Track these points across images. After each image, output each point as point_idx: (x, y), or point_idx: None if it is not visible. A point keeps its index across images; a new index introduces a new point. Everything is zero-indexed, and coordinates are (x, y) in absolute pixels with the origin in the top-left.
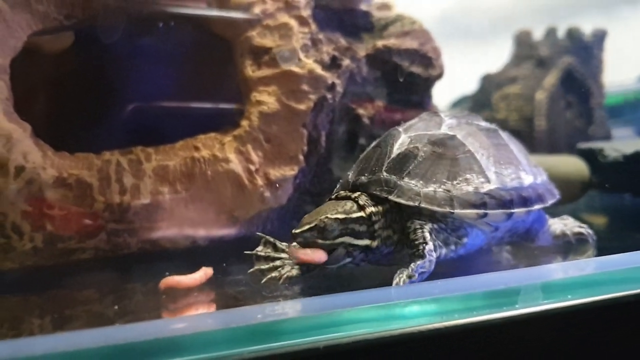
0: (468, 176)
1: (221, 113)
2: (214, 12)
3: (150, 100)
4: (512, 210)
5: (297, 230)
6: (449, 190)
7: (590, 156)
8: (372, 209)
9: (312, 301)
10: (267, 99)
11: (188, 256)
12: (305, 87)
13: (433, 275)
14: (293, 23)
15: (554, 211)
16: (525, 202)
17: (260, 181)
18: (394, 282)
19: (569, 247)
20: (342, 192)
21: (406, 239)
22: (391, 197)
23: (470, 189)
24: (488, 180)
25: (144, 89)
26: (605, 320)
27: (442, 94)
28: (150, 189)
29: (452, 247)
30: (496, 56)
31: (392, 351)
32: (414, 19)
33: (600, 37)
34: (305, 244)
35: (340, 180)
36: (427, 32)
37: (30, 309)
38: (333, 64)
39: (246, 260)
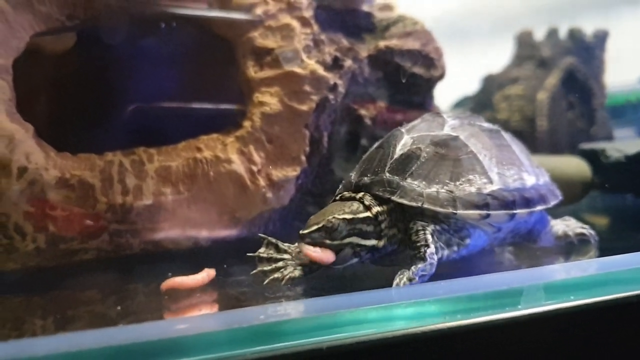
0: (471, 177)
1: (223, 114)
2: (216, 13)
3: (152, 101)
4: (515, 211)
5: (305, 231)
6: (451, 191)
7: (592, 157)
8: (378, 208)
9: (314, 302)
10: (270, 100)
11: (190, 257)
12: (307, 87)
13: (436, 276)
14: (295, 24)
15: (556, 212)
16: (528, 203)
17: (262, 182)
18: (394, 283)
19: (571, 247)
20: (345, 193)
21: (408, 240)
22: (394, 198)
23: (473, 189)
24: (490, 181)
25: (146, 89)
26: (608, 321)
27: (444, 94)
28: (152, 190)
29: (455, 248)
30: (498, 57)
31: (395, 352)
32: (416, 20)
33: (601, 37)
34: (312, 245)
35: (343, 181)
36: (429, 32)
37: (32, 310)
38: (335, 65)
39: (248, 261)
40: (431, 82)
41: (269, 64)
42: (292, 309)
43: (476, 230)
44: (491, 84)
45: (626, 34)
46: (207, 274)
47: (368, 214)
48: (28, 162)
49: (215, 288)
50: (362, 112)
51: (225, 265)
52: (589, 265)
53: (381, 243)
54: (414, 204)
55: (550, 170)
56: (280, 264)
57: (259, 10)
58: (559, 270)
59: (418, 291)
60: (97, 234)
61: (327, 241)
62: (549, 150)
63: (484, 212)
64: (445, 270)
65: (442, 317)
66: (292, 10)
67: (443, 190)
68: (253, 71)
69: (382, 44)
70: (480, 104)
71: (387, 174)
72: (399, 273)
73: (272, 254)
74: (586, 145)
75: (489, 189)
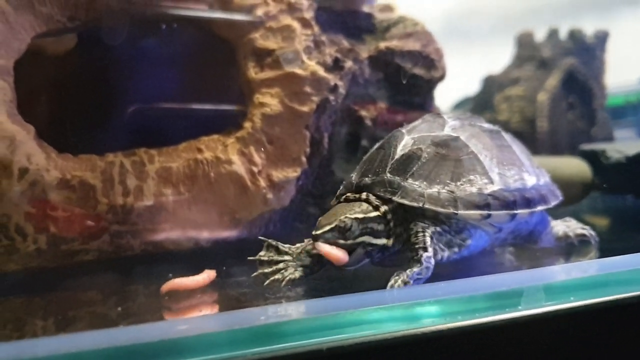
0: (471, 177)
1: (224, 115)
2: (217, 14)
3: (153, 102)
4: (516, 211)
5: (318, 232)
6: (452, 192)
7: (592, 157)
8: (385, 207)
9: (315, 303)
10: (270, 101)
11: (191, 258)
12: (307, 89)
13: (436, 277)
14: (296, 25)
15: (557, 213)
16: (529, 203)
17: (262, 183)
18: (389, 285)
19: (571, 248)
20: (349, 194)
21: (407, 241)
22: (395, 198)
23: (474, 190)
24: (491, 182)
25: (147, 90)
26: (608, 321)
27: (444, 95)
28: (153, 191)
29: (456, 249)
30: (498, 57)
31: (395, 353)
32: (417, 21)
33: (602, 38)
34: (320, 251)
35: (344, 182)
36: (430, 33)
37: (33, 311)
38: (335, 66)
39: (249, 262)
40: (432, 83)
41: (270, 65)
42: (292, 310)
43: (477, 231)
44: (491, 84)
45: (626, 35)
46: (207, 275)
47: (378, 213)
48: (29, 163)
49: (215, 289)
50: (363, 113)
51: (225, 267)
52: (590, 266)
53: (390, 242)
54: (415, 204)
55: (550, 171)
56: (281, 265)
57: (259, 12)
58: (559, 271)
59: (418, 292)
60: (98, 235)
61: (341, 241)
62: (550, 151)
63: (485, 212)
64: (446, 271)
65: (442, 318)
66: (292, 12)
67: (444, 191)
68: (254, 72)
69: (382, 45)
70: (480, 104)
71: (388, 175)
72: (394, 275)
73: (273, 256)
74: (586, 146)
75: (490, 189)
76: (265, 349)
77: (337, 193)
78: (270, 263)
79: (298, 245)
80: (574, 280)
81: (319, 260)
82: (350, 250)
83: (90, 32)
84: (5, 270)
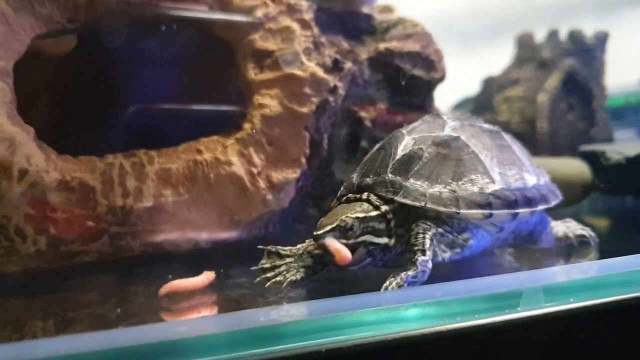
0: (473, 177)
1: (223, 116)
2: (217, 16)
3: (153, 103)
4: (517, 211)
5: (320, 232)
6: (454, 191)
7: (592, 158)
8: (386, 207)
9: (314, 304)
10: (270, 102)
11: (190, 259)
12: (307, 90)
13: (435, 278)
14: (295, 26)
15: (556, 214)
16: (530, 202)
17: (262, 184)
18: (383, 286)
19: (571, 249)
20: (350, 195)
21: (407, 243)
22: (397, 198)
23: (476, 189)
24: (493, 181)
25: (147, 92)
26: (608, 323)
27: (444, 96)
28: (153, 192)
29: (458, 249)
30: (498, 58)
31: (394, 354)
32: (416, 22)
33: (602, 39)
34: (327, 246)
35: (344, 183)
36: (429, 34)
37: (33, 312)
38: (335, 67)
39: (248, 262)
40: (431, 84)
41: (269, 66)
42: (291, 312)
43: (479, 231)
44: (491, 85)
45: (626, 36)
46: (206, 277)
47: (378, 212)
48: (29, 164)
49: (215, 290)
50: (362, 114)
51: (225, 268)
52: (589, 268)
53: (392, 241)
54: (417, 203)
55: (550, 172)
56: (282, 267)
57: (259, 13)
58: (559, 273)
59: (417, 294)
60: (98, 236)
61: (342, 241)
62: (550, 152)
63: (486, 211)
64: (445, 272)
65: (441, 320)
66: (292, 13)
67: (446, 190)
68: (253, 73)
69: (382, 46)
70: (480, 105)
71: (390, 175)
72: (391, 276)
73: (274, 262)
74: (586, 147)
75: (491, 188)
76: (264, 351)
77: (338, 194)
78: (273, 269)
79: (299, 246)
80: (573, 282)
81: (321, 260)
82: (352, 249)
83: (89, 33)
84: (5, 271)
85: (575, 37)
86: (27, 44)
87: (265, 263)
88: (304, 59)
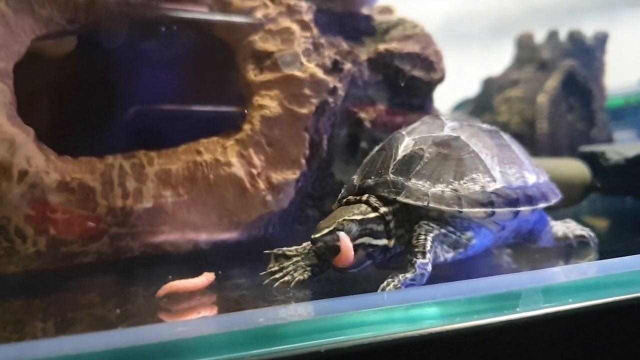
0: (474, 176)
1: (223, 117)
2: (217, 17)
3: (152, 104)
4: (519, 209)
5: (317, 235)
6: (456, 190)
7: (591, 159)
8: (385, 208)
9: (314, 305)
10: (269, 103)
11: (190, 260)
12: (307, 91)
13: (435, 279)
14: (295, 27)
15: (556, 214)
16: (531, 200)
17: (262, 185)
18: (380, 287)
19: (570, 250)
20: (350, 197)
21: (408, 243)
22: (399, 198)
23: (477, 188)
24: (494, 180)
25: (147, 93)
26: (607, 323)
27: (444, 97)
28: (152, 193)
29: (461, 249)
30: (498, 59)
31: (394, 355)
32: (416, 23)
33: (601, 39)
34: (325, 248)
35: (345, 185)
36: (429, 35)
37: (33, 313)
38: (335, 68)
39: (248, 263)
40: (431, 85)
41: (269, 67)
42: (291, 312)
43: (482, 229)
44: (491, 86)
45: (626, 36)
46: (206, 278)
47: (376, 213)
48: (29, 165)
49: (214, 291)
50: (362, 115)
51: (224, 269)
52: (589, 268)
53: (391, 242)
54: (419, 203)
55: (550, 172)
56: (290, 268)
57: (259, 14)
58: (558, 273)
59: (416, 294)
60: (98, 237)
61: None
62: (549, 153)
63: (489, 209)
64: (445, 273)
65: (440, 320)
66: (292, 14)
67: (448, 189)
68: (253, 74)
69: (381, 47)
70: (480, 106)
71: (391, 175)
72: (389, 277)
73: (282, 264)
74: (586, 148)
75: (492, 187)
76: (264, 351)
77: (339, 196)
78: (281, 270)
79: (304, 244)
80: (573, 282)
81: (327, 259)
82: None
83: (90, 34)
84: (4, 272)
85: (575, 37)
86: (27, 45)
87: (274, 266)
88: (303, 60)
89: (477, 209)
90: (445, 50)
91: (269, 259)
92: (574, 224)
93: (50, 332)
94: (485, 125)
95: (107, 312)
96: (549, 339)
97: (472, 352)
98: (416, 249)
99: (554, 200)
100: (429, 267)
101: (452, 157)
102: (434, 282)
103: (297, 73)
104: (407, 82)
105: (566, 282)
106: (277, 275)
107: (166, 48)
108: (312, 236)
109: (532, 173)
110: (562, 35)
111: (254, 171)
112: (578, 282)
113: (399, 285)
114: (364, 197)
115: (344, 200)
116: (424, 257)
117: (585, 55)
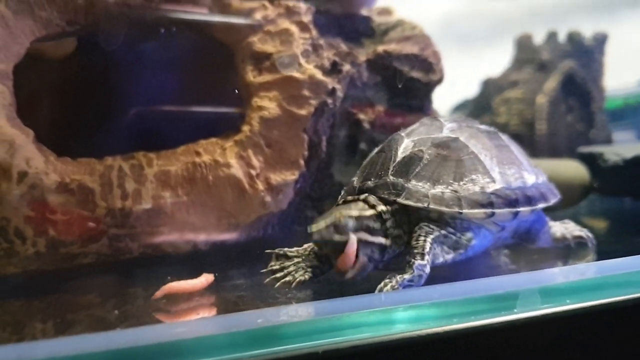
0: (474, 177)
1: (222, 118)
2: (216, 18)
3: (152, 106)
4: (518, 209)
5: (314, 229)
6: (456, 191)
7: (590, 160)
8: (382, 207)
9: (312, 305)
10: (268, 104)
11: (189, 261)
12: (306, 92)
13: (433, 280)
14: (294, 29)
15: (555, 215)
16: (530, 200)
17: (261, 186)
18: (378, 288)
19: (568, 250)
20: (349, 197)
21: (408, 244)
22: (399, 200)
23: (477, 189)
24: (493, 180)
25: (146, 94)
26: (605, 324)
27: (443, 98)
28: (151, 194)
29: (461, 250)
30: (497, 60)
31: (392, 356)
32: (415, 24)
33: (601, 40)
34: (321, 243)
35: (345, 187)
36: (428, 37)
37: (32, 314)
38: (334, 69)
39: (247, 264)
40: (430, 86)
41: (268, 68)
42: (289, 313)
43: (481, 230)
44: (490, 87)
45: (625, 37)
46: (205, 279)
47: (373, 211)
48: (28, 166)
49: (213, 292)
50: (361, 116)
51: (223, 270)
52: (587, 269)
53: (388, 242)
54: (420, 204)
55: (549, 173)
56: (291, 268)
57: (258, 15)
58: (556, 274)
59: (415, 295)
60: (97, 238)
61: (337, 237)
62: (548, 154)
63: (489, 210)
64: (443, 274)
65: (438, 321)
66: (291, 15)
67: (448, 191)
68: (252, 76)
69: (380, 48)
70: (479, 107)
71: (391, 177)
72: (387, 277)
73: (283, 263)
74: (585, 149)
75: (492, 187)
76: (262, 352)
77: (339, 198)
78: (282, 269)
79: (305, 246)
80: (571, 283)
81: (327, 260)
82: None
83: (89, 36)
84: (4, 273)
85: (574, 38)
86: (27, 46)
87: (274, 265)
88: (302, 61)
89: (477, 210)
90: (444, 52)
91: (269, 259)
92: (573, 225)
93: (50, 333)
94: (483, 126)
95: (107, 313)
96: (546, 339)
97: (470, 352)
98: (415, 250)
99: (553, 201)
100: (427, 269)
101: (451, 159)
102: (432, 283)
103: (296, 74)
104: (405, 83)
105: (564, 283)
106: (278, 275)
107: (165, 49)
108: (309, 230)
109: (531, 173)
110: (562, 36)
111: (253, 172)
112: (576, 283)
113: (396, 287)
114: (363, 196)
115: (342, 201)
116: (422, 259)
117: (584, 56)
